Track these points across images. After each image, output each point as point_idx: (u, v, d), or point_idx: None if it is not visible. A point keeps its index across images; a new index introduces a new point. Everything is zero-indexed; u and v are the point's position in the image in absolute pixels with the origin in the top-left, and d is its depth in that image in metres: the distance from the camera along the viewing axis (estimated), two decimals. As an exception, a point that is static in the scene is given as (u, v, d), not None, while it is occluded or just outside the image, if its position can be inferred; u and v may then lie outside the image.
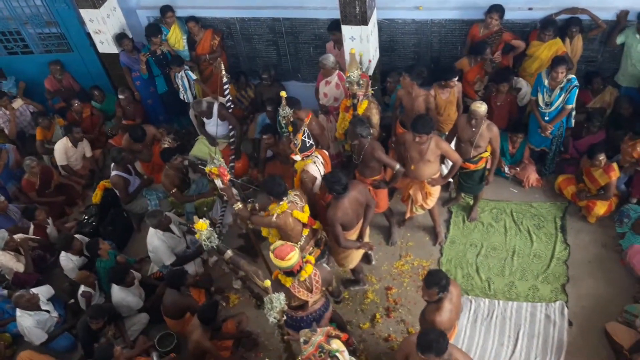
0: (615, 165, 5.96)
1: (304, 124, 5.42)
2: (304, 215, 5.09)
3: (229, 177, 5.15)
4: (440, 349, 3.70)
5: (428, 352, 3.72)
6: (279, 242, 4.47)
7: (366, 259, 6.18)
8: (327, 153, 5.90)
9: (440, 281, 4.16)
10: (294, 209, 5.01)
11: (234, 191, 5.40)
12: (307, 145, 5.37)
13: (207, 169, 5.05)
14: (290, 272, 4.41)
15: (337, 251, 5.44)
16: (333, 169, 5.65)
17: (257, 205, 5.39)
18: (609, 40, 6.49)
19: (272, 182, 4.95)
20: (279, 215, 4.92)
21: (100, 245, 6.15)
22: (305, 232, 5.20)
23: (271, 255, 4.34)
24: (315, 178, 5.52)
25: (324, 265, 4.90)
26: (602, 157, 5.91)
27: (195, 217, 4.86)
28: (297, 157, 5.42)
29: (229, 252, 4.86)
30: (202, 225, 4.70)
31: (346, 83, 5.82)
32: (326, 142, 6.39)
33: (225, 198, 5.84)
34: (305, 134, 5.32)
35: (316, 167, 5.55)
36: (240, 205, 5.13)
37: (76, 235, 6.44)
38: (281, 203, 4.96)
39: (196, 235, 4.82)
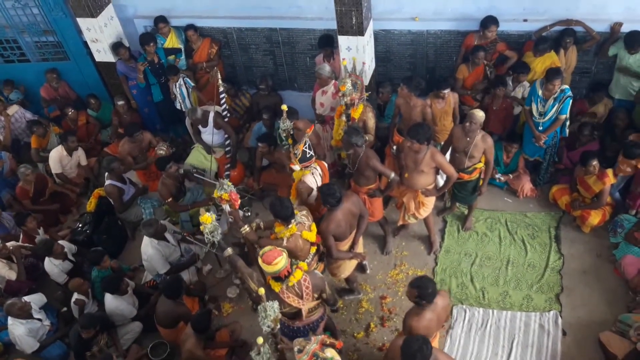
0: (609, 171, 5.99)
1: (306, 134, 5.42)
2: (313, 235, 5.03)
3: (239, 201, 5.14)
4: (424, 357, 3.70)
5: None
6: (267, 247, 4.45)
7: (361, 268, 6.17)
8: (325, 165, 5.90)
9: (426, 289, 4.15)
10: (302, 230, 4.94)
11: (241, 213, 5.40)
12: (307, 156, 5.37)
13: (216, 194, 5.03)
14: (278, 277, 4.39)
15: (329, 261, 5.43)
16: (329, 182, 5.64)
17: (262, 224, 5.37)
18: (601, 51, 6.55)
19: (280, 205, 4.79)
20: (289, 239, 4.85)
21: (104, 259, 6.11)
22: (313, 249, 5.18)
23: (259, 260, 4.34)
24: (311, 189, 5.51)
25: (316, 271, 4.88)
26: (595, 163, 5.94)
27: (202, 210, 4.84)
28: (296, 167, 5.41)
29: (229, 250, 4.84)
30: (207, 219, 4.68)
31: (340, 98, 5.85)
32: (322, 151, 6.42)
33: (221, 207, 5.86)
34: (307, 145, 5.33)
35: (314, 178, 5.53)
36: (248, 229, 5.11)
37: (60, 242, 6.42)
38: (289, 226, 4.89)
39: (200, 227, 4.80)
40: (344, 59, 6.04)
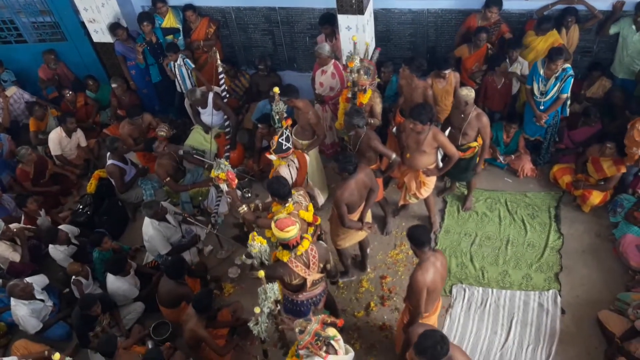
0: (624, 160, 6.01)
1: (284, 126, 5.40)
2: (310, 215, 5.07)
3: (236, 181, 5.15)
4: (437, 355, 3.48)
5: (422, 356, 3.53)
6: (282, 214, 4.54)
7: (360, 265, 6.17)
8: (306, 157, 5.89)
9: (421, 236, 4.33)
10: (299, 209, 4.98)
11: (239, 193, 5.40)
12: (284, 147, 5.38)
13: (213, 173, 5.05)
14: (287, 246, 4.45)
15: (336, 232, 5.46)
16: (344, 151, 5.64)
17: (260, 204, 5.37)
18: (601, 30, 6.49)
19: (277, 183, 4.88)
20: None
21: (104, 241, 6.14)
22: (310, 230, 5.19)
23: (272, 224, 4.40)
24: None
25: (321, 242, 4.93)
26: (610, 145, 5.95)
27: (254, 234, 4.80)
28: (272, 157, 5.46)
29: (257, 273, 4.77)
30: (262, 241, 4.72)
31: (347, 75, 5.80)
32: (322, 131, 6.39)
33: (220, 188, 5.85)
34: (283, 137, 5.32)
35: (288, 170, 5.55)
36: (246, 208, 5.13)
37: (61, 226, 6.44)
38: (287, 205, 4.91)
39: (253, 250, 4.81)
40: (354, 36, 5.97)
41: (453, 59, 6.71)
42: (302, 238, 4.50)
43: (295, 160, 5.65)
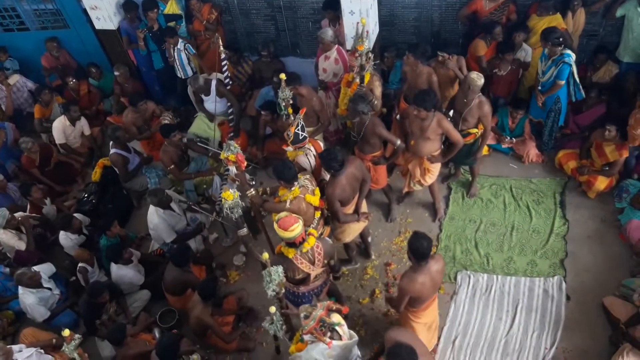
0: (627, 144, 5.95)
1: (298, 116, 5.36)
2: (316, 199, 5.06)
3: (246, 164, 5.14)
4: None
5: None
6: (283, 213, 4.52)
7: (365, 253, 6.19)
8: (320, 144, 5.85)
9: (420, 248, 4.19)
10: (305, 193, 4.97)
11: (247, 176, 5.41)
12: (300, 137, 5.30)
13: (223, 155, 5.05)
14: (293, 244, 4.45)
15: (334, 226, 5.46)
16: (329, 147, 5.62)
17: (267, 189, 5.38)
18: (608, 13, 6.41)
19: (283, 166, 4.87)
20: (292, 201, 4.87)
21: (114, 224, 6.15)
22: (317, 214, 5.19)
23: (275, 226, 4.39)
24: (304, 170, 5.48)
25: (326, 238, 4.93)
26: (610, 127, 5.86)
27: (225, 187, 4.86)
28: (289, 149, 5.41)
29: (244, 230, 4.92)
30: (229, 196, 4.73)
31: (357, 58, 5.77)
32: (326, 117, 6.37)
33: (225, 177, 5.84)
34: (299, 127, 5.26)
35: (306, 159, 5.50)
36: (254, 192, 5.13)
37: (75, 214, 6.46)
38: (293, 188, 4.91)
39: (222, 201, 4.83)
40: (362, 18, 5.90)
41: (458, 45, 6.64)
42: (307, 234, 4.49)
43: (312, 148, 5.59)
